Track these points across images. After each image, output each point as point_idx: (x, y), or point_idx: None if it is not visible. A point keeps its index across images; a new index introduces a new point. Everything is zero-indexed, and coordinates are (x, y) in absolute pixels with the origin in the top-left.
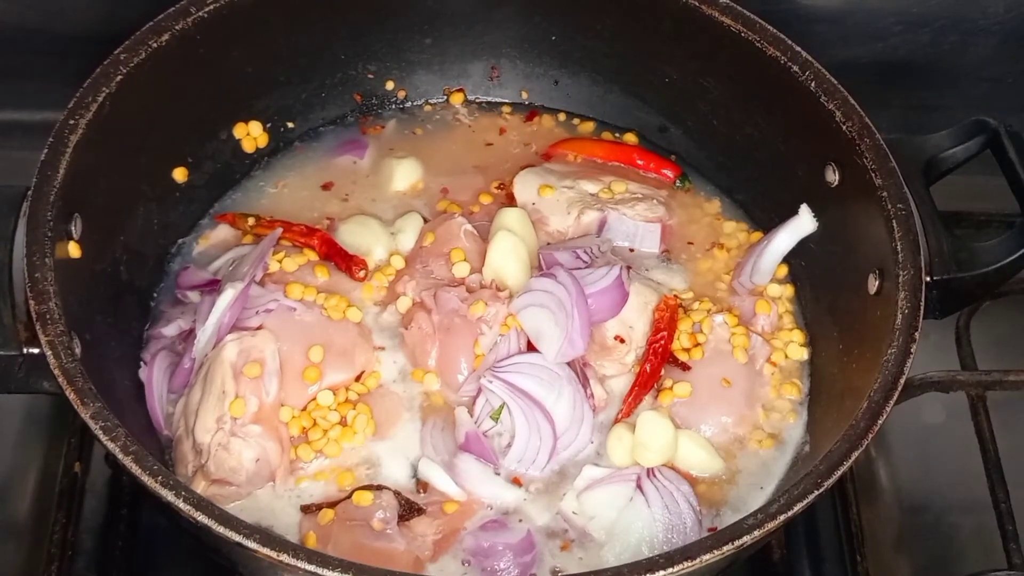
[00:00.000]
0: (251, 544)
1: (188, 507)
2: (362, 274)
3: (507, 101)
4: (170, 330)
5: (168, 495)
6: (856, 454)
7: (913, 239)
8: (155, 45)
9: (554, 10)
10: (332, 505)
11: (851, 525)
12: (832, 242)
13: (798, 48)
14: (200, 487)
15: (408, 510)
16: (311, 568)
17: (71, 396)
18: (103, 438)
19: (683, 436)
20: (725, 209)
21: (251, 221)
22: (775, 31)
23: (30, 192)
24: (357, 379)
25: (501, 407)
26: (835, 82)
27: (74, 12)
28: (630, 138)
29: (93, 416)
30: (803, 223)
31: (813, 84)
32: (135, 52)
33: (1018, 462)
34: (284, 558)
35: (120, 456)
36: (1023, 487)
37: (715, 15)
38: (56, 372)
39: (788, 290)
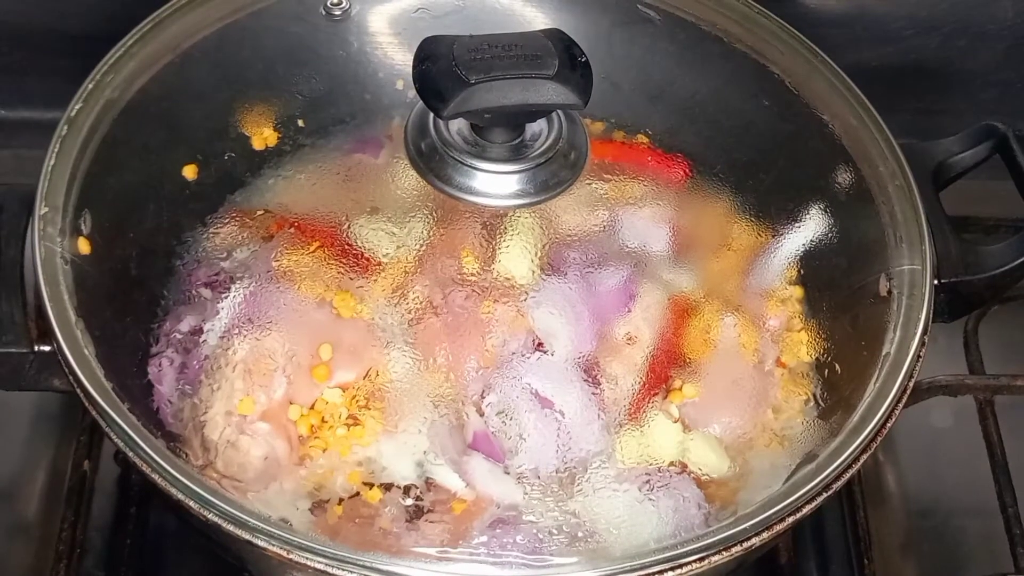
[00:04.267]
0: (260, 542)
1: (198, 505)
2: (372, 272)
3: None
4: (180, 327)
5: (178, 493)
6: (864, 457)
7: (922, 242)
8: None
9: None
10: (340, 503)
11: (858, 528)
12: (841, 244)
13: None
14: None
15: (416, 508)
16: (321, 565)
17: (81, 394)
18: (113, 435)
19: (692, 437)
20: (735, 210)
21: (261, 218)
22: None
23: (40, 190)
24: (366, 377)
25: (510, 406)
26: None
27: (83, 10)
28: (641, 139)
29: (103, 413)
30: (813, 224)
31: None
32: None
33: None
34: (295, 556)
35: (130, 454)
36: None
37: None
38: (67, 369)
39: (797, 291)
